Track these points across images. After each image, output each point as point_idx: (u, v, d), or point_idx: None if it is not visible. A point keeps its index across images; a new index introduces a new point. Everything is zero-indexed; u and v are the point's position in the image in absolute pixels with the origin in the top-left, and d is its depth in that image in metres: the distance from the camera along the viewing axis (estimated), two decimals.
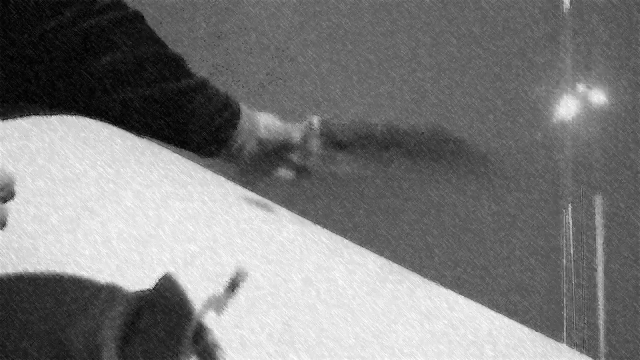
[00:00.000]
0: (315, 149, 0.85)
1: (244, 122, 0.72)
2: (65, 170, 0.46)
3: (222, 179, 0.53)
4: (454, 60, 1.00)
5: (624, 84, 0.95)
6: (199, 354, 0.36)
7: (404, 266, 0.44)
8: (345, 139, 0.88)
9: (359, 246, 0.44)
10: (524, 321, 0.43)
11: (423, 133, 0.86)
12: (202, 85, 0.67)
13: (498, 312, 0.43)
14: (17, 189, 0.42)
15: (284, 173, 0.83)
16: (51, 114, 0.53)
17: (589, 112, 0.94)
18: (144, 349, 0.36)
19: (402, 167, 0.83)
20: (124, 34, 0.58)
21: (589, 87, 0.96)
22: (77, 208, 0.43)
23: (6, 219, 0.39)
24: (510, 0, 1.04)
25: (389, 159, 0.90)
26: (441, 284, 0.43)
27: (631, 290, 0.77)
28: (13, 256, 0.42)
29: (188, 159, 0.57)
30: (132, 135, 0.49)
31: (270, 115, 0.78)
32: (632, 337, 0.71)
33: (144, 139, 0.49)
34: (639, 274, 0.79)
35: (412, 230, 0.51)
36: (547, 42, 1.00)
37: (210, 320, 0.36)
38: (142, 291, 0.37)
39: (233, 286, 0.40)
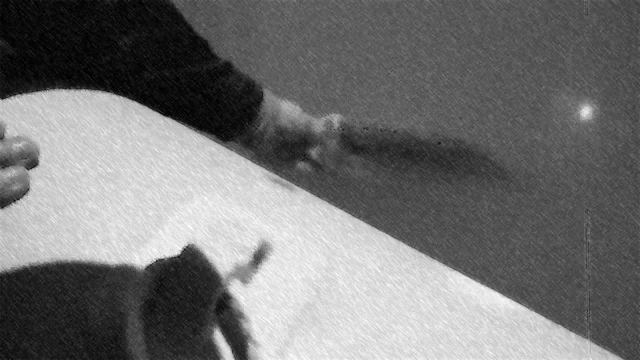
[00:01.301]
0: (332, 147, 0.83)
1: (266, 107, 0.71)
2: (65, 170, 0.46)
3: (238, 161, 0.53)
4: (454, 60, 1.00)
5: (624, 84, 0.95)
6: (222, 322, 0.36)
7: (404, 266, 0.44)
8: (363, 142, 0.87)
9: (359, 245, 0.44)
10: (524, 321, 0.43)
11: (440, 143, 0.86)
12: (226, 68, 0.67)
13: (498, 312, 0.43)
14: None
15: (301, 166, 0.82)
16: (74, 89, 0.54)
17: (589, 112, 0.94)
18: (168, 316, 0.36)
19: (415, 177, 0.83)
20: (148, 13, 0.58)
21: (589, 87, 0.96)
22: (77, 208, 0.43)
23: (29, 185, 0.40)
24: (510, 0, 1.05)
25: (404, 168, 0.90)
26: (441, 284, 0.43)
27: (631, 290, 0.77)
28: (13, 256, 0.42)
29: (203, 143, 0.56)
30: (133, 134, 0.49)
31: (294, 105, 0.77)
32: (632, 337, 0.71)
33: (147, 132, 0.49)
34: (639, 274, 0.79)
35: (412, 230, 0.51)
36: (547, 42, 1.00)
37: (235, 289, 0.36)
38: (166, 259, 0.37)
39: (258, 258, 0.40)
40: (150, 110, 0.52)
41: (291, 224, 0.44)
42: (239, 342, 0.36)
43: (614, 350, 0.43)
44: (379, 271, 0.43)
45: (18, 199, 0.41)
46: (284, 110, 0.75)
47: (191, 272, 0.36)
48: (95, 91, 0.53)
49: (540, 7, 1.02)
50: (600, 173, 0.88)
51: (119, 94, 0.58)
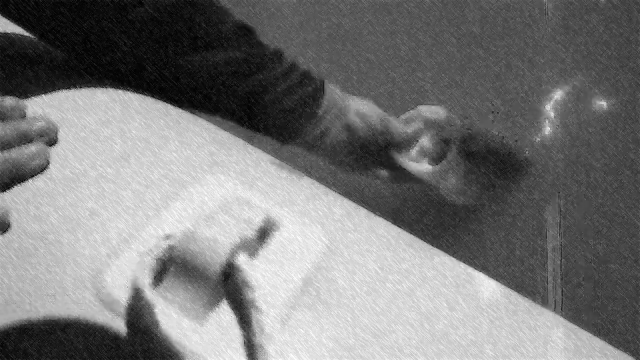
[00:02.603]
0: (429, 150, 0.69)
1: (328, 103, 0.61)
2: (65, 170, 0.46)
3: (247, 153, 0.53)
4: (454, 60, 1.00)
5: (624, 84, 0.95)
6: (228, 291, 0.37)
7: (404, 266, 0.44)
8: (475, 148, 0.71)
9: (359, 245, 0.44)
10: (524, 321, 0.43)
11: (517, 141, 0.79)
12: (277, 56, 0.59)
13: (498, 312, 0.43)
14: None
15: (379, 173, 0.69)
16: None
17: (588, 112, 0.94)
18: (176, 287, 0.37)
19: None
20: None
21: (588, 88, 0.96)
22: (77, 208, 0.43)
23: (49, 161, 0.42)
24: (510, 0, 1.05)
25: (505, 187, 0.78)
26: (441, 284, 0.43)
27: (631, 290, 0.77)
28: (13, 256, 0.42)
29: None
30: (133, 134, 0.49)
31: (368, 101, 0.66)
32: (632, 337, 0.71)
33: (147, 132, 0.49)
34: (639, 274, 0.79)
35: (412, 230, 0.51)
36: (547, 42, 1.00)
37: (241, 261, 0.37)
38: (172, 235, 0.38)
39: (264, 234, 0.40)
40: (150, 110, 0.52)
41: (291, 224, 0.44)
42: (244, 310, 0.36)
43: (614, 349, 0.43)
44: (379, 271, 0.43)
45: (37, 174, 0.42)
46: (354, 106, 0.64)
47: (197, 244, 0.37)
48: (96, 90, 0.53)
49: (540, 7, 1.02)
50: (600, 173, 0.88)
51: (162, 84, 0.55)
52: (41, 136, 0.44)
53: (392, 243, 0.46)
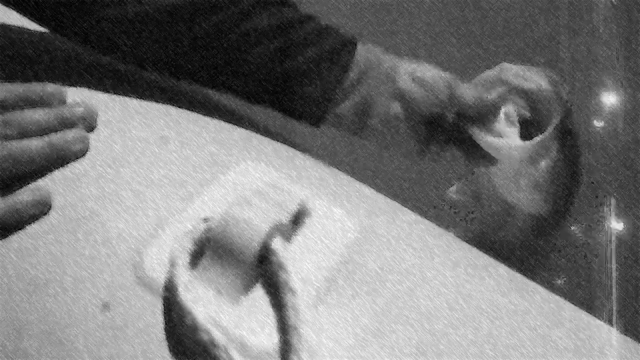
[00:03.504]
0: (515, 122, 0.51)
1: (363, 64, 0.48)
2: (65, 170, 0.46)
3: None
4: (454, 60, 1.00)
5: (624, 84, 0.95)
6: (263, 273, 0.37)
7: (404, 266, 0.44)
8: (574, 130, 0.52)
9: (359, 245, 0.44)
10: (524, 321, 0.43)
11: None
12: (310, 18, 0.50)
13: (498, 312, 0.43)
14: (24, 189, 0.43)
15: (449, 155, 0.52)
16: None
17: (588, 112, 0.94)
18: (212, 267, 0.37)
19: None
20: None
21: (588, 88, 0.96)
22: (77, 208, 0.43)
23: (89, 146, 0.45)
24: (510, 0, 1.05)
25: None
26: (441, 284, 0.43)
27: (631, 291, 0.77)
28: (13, 256, 0.42)
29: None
30: (133, 134, 0.49)
31: (430, 65, 0.51)
32: (632, 337, 0.71)
33: (147, 132, 0.49)
34: (639, 274, 0.79)
35: (412, 230, 0.51)
36: (547, 42, 1.00)
37: (277, 244, 0.37)
38: (210, 218, 0.39)
39: (298, 219, 0.41)
40: (150, 110, 0.52)
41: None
42: (278, 292, 0.37)
43: (614, 349, 0.43)
44: (379, 271, 0.42)
45: (77, 158, 0.44)
46: (404, 67, 0.50)
47: (234, 227, 0.37)
48: (95, 91, 0.53)
49: (540, 7, 1.02)
50: (600, 173, 0.88)
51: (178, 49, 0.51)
52: (81, 121, 0.46)
53: (392, 243, 0.46)
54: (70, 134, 0.45)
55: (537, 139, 0.51)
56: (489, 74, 0.53)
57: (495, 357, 0.39)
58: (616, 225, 0.83)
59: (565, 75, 0.97)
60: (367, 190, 0.51)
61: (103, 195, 0.44)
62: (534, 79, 0.51)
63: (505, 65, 0.52)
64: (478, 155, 0.54)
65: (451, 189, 0.63)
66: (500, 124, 0.52)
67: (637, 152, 0.89)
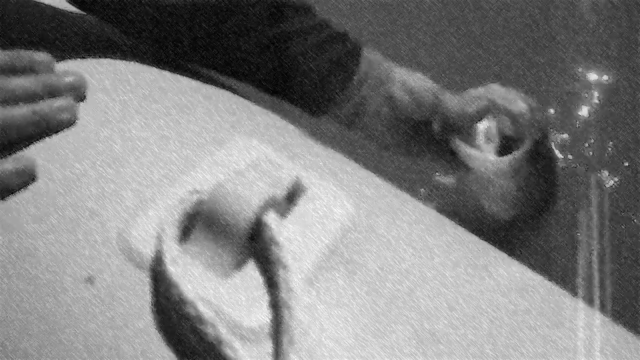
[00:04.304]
0: (493, 138, 0.57)
1: (366, 69, 0.53)
2: (65, 170, 0.46)
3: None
4: (454, 60, 1.00)
5: (624, 83, 0.95)
6: (255, 248, 0.37)
7: (404, 266, 0.44)
8: (545, 152, 0.59)
9: (359, 245, 0.44)
10: (524, 321, 0.43)
11: None
12: (307, 9, 0.53)
13: (498, 312, 0.43)
14: (8, 158, 0.43)
15: (430, 159, 0.58)
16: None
17: (588, 112, 0.94)
18: (203, 241, 0.37)
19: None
20: None
21: (589, 87, 0.96)
22: (77, 208, 0.43)
23: (77, 115, 0.44)
24: (510, 0, 1.05)
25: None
26: (441, 284, 0.43)
27: (631, 291, 0.77)
28: (13, 256, 0.42)
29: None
30: (133, 134, 0.49)
31: (420, 74, 0.57)
32: (632, 337, 0.71)
33: (147, 132, 0.49)
34: (639, 274, 0.79)
35: (412, 230, 0.51)
36: (547, 42, 1.00)
37: (270, 218, 0.37)
38: (201, 190, 0.38)
39: (293, 195, 0.40)
40: (150, 110, 0.52)
41: (291, 224, 0.44)
42: (271, 267, 0.36)
43: (614, 350, 0.43)
44: (379, 271, 0.42)
45: (64, 129, 0.43)
46: (398, 75, 0.55)
47: (226, 199, 0.36)
48: (96, 90, 0.53)
49: (540, 7, 1.02)
50: (600, 173, 0.88)
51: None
52: (70, 91, 0.45)
53: (392, 243, 0.46)
54: (57, 102, 0.44)
55: (509, 157, 0.57)
56: (476, 91, 0.57)
57: (495, 357, 0.39)
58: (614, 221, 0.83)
59: (566, 75, 0.97)
60: (364, 173, 0.50)
61: (103, 195, 0.44)
62: (516, 102, 0.56)
63: (493, 85, 0.57)
64: (456, 163, 0.58)
65: (439, 174, 0.68)
66: (480, 138, 0.57)
67: (637, 153, 0.89)
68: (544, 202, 0.65)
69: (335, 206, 0.42)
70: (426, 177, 0.77)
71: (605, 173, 0.88)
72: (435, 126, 0.57)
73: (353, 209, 0.43)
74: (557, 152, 0.73)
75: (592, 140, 0.91)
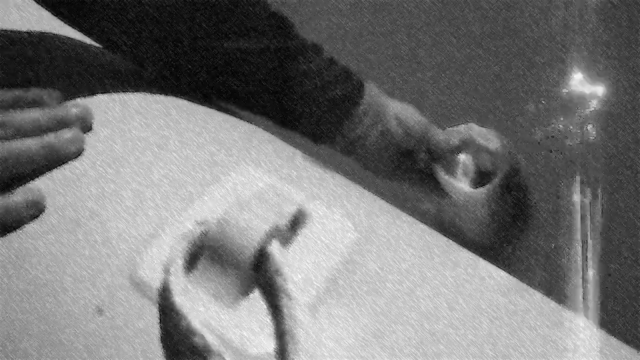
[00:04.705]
0: (469, 171, 0.64)
1: (368, 103, 0.58)
2: (65, 170, 0.46)
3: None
4: (454, 60, 1.00)
5: (624, 84, 0.95)
6: (259, 278, 0.37)
7: (404, 266, 0.44)
8: (517, 185, 0.66)
9: (359, 245, 0.44)
10: (524, 321, 0.43)
11: None
12: (315, 50, 0.56)
13: (498, 312, 0.43)
14: (18, 190, 0.43)
15: (415, 183, 0.66)
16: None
17: (589, 112, 0.94)
18: (209, 271, 0.37)
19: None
20: None
21: (588, 87, 0.96)
22: (77, 208, 0.43)
23: (84, 146, 0.45)
24: (510, 0, 1.05)
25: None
26: (441, 284, 0.43)
27: (631, 291, 0.77)
28: (13, 256, 0.42)
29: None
30: (133, 134, 0.49)
31: (410, 107, 0.63)
32: (632, 337, 0.71)
33: (147, 132, 0.49)
34: (639, 274, 0.79)
35: (412, 230, 0.51)
36: (547, 42, 1.00)
37: (274, 248, 0.37)
38: (206, 221, 0.38)
39: (296, 223, 0.40)
40: (150, 110, 0.52)
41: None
42: (275, 297, 0.36)
43: (615, 350, 0.43)
44: (379, 271, 0.43)
45: (73, 158, 0.44)
46: (393, 109, 0.61)
47: (231, 230, 0.37)
48: (95, 91, 0.53)
49: (540, 7, 1.02)
50: (600, 173, 0.88)
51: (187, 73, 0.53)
52: (77, 122, 0.46)
53: (392, 243, 0.46)
54: (66, 134, 0.45)
55: (482, 189, 0.64)
56: (458, 128, 0.65)
57: (495, 357, 0.39)
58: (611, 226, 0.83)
59: (566, 75, 0.97)
60: (366, 192, 0.51)
61: (103, 195, 0.44)
62: (492, 140, 0.64)
63: (472, 125, 0.65)
64: (436, 189, 0.65)
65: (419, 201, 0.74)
66: (458, 169, 0.65)
67: (637, 152, 0.89)
68: (518, 230, 0.72)
69: (340, 233, 0.43)
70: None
71: (604, 172, 0.88)
72: (421, 155, 0.64)
73: (357, 235, 0.43)
74: (528, 186, 0.79)
75: (593, 140, 0.91)
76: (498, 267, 0.47)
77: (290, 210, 0.40)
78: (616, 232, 0.82)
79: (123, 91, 0.53)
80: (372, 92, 0.59)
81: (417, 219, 0.51)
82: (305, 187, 0.47)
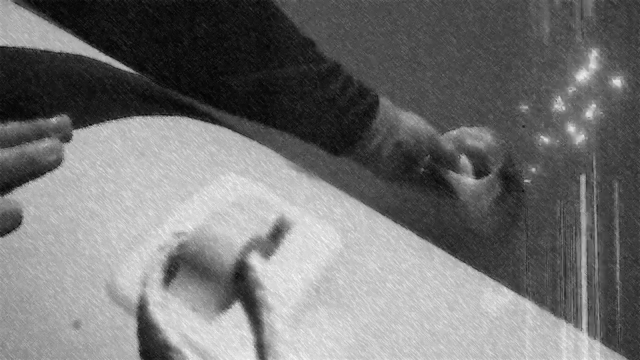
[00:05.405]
0: (467, 168, 0.72)
1: (382, 118, 0.62)
2: (65, 170, 0.46)
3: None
4: (454, 60, 1.00)
5: (624, 84, 0.95)
6: (239, 290, 0.37)
7: (404, 266, 0.44)
8: (512, 174, 0.74)
9: (359, 245, 0.44)
10: (524, 321, 0.43)
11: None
12: (336, 70, 0.59)
13: (498, 312, 0.43)
14: (18, 190, 0.43)
15: (424, 185, 0.72)
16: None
17: (589, 112, 0.94)
18: (187, 284, 0.37)
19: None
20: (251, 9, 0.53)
21: (588, 87, 0.96)
22: (77, 208, 0.43)
23: (63, 156, 0.45)
24: (510, 0, 1.05)
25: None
26: (441, 284, 0.43)
27: (631, 291, 0.77)
28: (13, 256, 0.42)
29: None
30: (133, 134, 0.49)
31: (418, 117, 0.68)
32: (632, 337, 0.71)
33: (147, 132, 0.49)
34: (639, 274, 0.79)
35: (412, 230, 0.51)
36: (547, 42, 1.00)
37: (254, 259, 0.37)
38: (184, 232, 0.38)
39: (277, 234, 0.40)
40: (151, 110, 0.52)
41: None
42: (255, 309, 0.36)
43: (614, 350, 0.43)
44: (379, 271, 0.43)
45: (52, 169, 0.43)
46: (404, 121, 0.65)
47: (209, 241, 0.37)
48: (95, 93, 0.53)
49: (540, 7, 1.02)
50: (600, 173, 0.88)
51: (216, 99, 0.55)
52: (56, 132, 0.46)
53: (392, 243, 0.46)
54: (43, 144, 0.45)
55: (482, 180, 0.71)
56: (452, 133, 0.73)
57: (495, 357, 0.39)
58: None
59: (566, 75, 0.97)
60: (339, 196, 0.50)
61: (103, 195, 0.44)
62: (484, 138, 0.72)
63: (463, 129, 0.73)
64: (440, 187, 0.71)
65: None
66: (460, 168, 0.72)
67: (637, 152, 0.89)
68: (514, 217, 0.79)
69: (323, 241, 0.42)
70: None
71: (603, 173, 0.88)
72: (425, 159, 0.69)
73: (341, 243, 0.42)
74: (524, 179, 0.86)
75: (592, 140, 0.91)
76: (497, 267, 0.47)
77: (272, 219, 0.39)
78: (616, 232, 0.82)
79: (123, 94, 0.53)
80: (386, 105, 0.63)
81: (417, 218, 0.51)
82: (290, 195, 0.46)
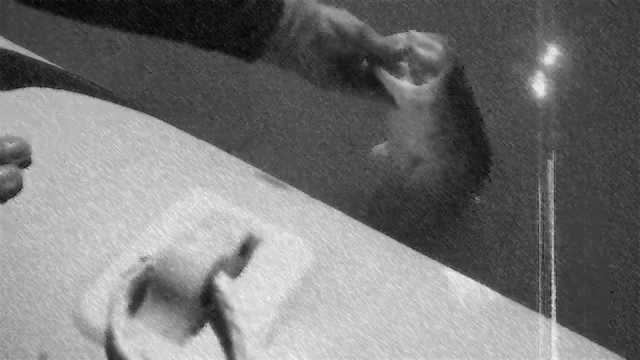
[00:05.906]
0: (411, 71, 0.64)
1: (291, 15, 0.57)
2: (65, 170, 0.46)
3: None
4: None
5: (624, 84, 0.95)
6: (208, 312, 0.36)
7: (404, 266, 0.44)
8: (460, 85, 0.66)
9: (359, 245, 0.45)
10: (524, 321, 0.43)
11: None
12: None
13: (498, 312, 0.43)
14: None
15: (358, 89, 0.64)
16: None
17: (589, 112, 0.94)
18: (155, 309, 0.36)
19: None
20: None
21: (589, 87, 0.96)
22: (77, 208, 0.43)
23: (22, 182, 0.43)
24: (510, 0, 1.05)
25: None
26: (441, 284, 0.43)
27: (631, 290, 0.77)
28: (13, 256, 0.42)
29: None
30: (133, 134, 0.49)
31: (350, 14, 0.62)
32: (632, 337, 0.71)
33: (147, 132, 0.49)
34: (639, 274, 0.79)
35: (412, 230, 0.51)
36: (547, 42, 1.00)
37: (222, 280, 0.36)
38: (149, 256, 0.37)
39: (245, 250, 0.39)
40: (151, 110, 0.52)
41: (291, 223, 0.44)
42: (225, 331, 0.36)
43: (614, 350, 0.43)
44: (379, 271, 0.43)
45: (11, 196, 0.42)
46: (327, 15, 0.59)
47: (175, 265, 0.36)
48: (95, 89, 0.53)
49: (540, 7, 1.02)
50: (600, 173, 0.88)
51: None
52: (14, 158, 0.44)
53: (392, 243, 0.46)
54: (0, 172, 0.43)
55: (425, 85, 0.64)
56: (399, 35, 0.65)
57: (495, 357, 0.39)
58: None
59: (566, 75, 0.97)
60: (325, 212, 0.49)
61: (103, 195, 0.44)
62: (434, 48, 0.64)
63: (413, 32, 0.65)
64: (384, 95, 0.65)
65: (376, 146, 0.76)
66: (400, 73, 0.65)
67: (637, 152, 0.89)
68: (460, 141, 0.71)
69: (294, 256, 0.41)
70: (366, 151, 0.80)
71: (604, 172, 0.88)
72: (362, 61, 0.63)
73: (313, 255, 0.42)
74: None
75: (592, 139, 0.91)
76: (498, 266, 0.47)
77: (239, 236, 0.38)
78: (616, 232, 0.82)
79: (122, 91, 0.53)
80: (299, 2, 0.58)
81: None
82: (260, 209, 0.45)
